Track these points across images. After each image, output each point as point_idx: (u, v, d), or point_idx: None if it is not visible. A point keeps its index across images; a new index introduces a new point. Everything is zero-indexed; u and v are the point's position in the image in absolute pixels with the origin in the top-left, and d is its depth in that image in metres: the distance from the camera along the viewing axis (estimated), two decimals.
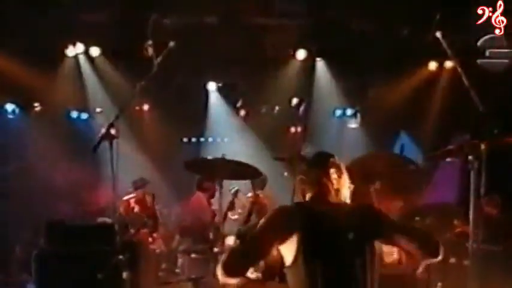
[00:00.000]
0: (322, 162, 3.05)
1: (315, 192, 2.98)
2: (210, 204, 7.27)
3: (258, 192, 6.79)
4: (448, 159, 4.41)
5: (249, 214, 6.06)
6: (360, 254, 2.80)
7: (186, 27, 8.11)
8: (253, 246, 2.84)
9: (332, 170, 3.01)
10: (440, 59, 9.20)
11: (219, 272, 2.76)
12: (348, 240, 2.78)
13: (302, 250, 2.77)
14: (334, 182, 2.99)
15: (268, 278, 4.15)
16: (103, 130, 4.13)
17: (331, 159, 3.06)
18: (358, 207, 2.97)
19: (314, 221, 2.82)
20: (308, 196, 3.02)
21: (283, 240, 2.81)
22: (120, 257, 4.23)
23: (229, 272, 2.75)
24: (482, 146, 3.54)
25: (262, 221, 2.88)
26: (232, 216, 6.90)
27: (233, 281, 2.78)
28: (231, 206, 6.82)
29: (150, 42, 4.27)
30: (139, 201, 7.63)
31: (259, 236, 2.84)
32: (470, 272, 3.88)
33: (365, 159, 4.50)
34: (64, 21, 7.89)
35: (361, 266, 2.78)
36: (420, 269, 4.65)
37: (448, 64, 9.12)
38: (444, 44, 3.72)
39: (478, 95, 3.67)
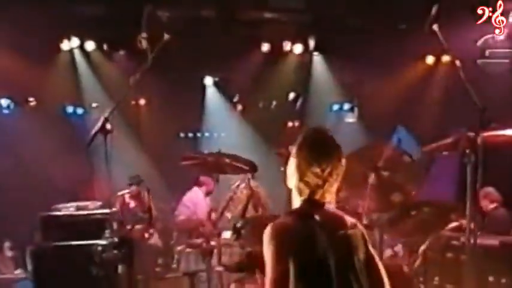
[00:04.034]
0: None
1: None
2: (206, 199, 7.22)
3: (252, 183, 6.70)
4: (445, 153, 4.37)
5: (246, 208, 6.00)
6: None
7: (182, 21, 8.08)
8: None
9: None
10: (438, 53, 9.19)
11: None
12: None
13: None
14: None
15: (248, 269, 4.10)
16: (97, 125, 4.08)
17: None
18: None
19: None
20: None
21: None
22: (115, 251, 4.20)
23: None
24: (479, 140, 3.50)
25: (267, 251, 2.56)
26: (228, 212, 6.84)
27: None
28: (228, 203, 6.74)
29: (144, 35, 4.21)
30: (134, 196, 7.61)
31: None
32: (466, 267, 3.86)
33: (360, 152, 4.46)
34: (59, 14, 7.84)
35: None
36: (417, 264, 4.66)
37: (445, 58, 9.11)
38: (441, 37, 3.68)
39: (475, 91, 3.63)
